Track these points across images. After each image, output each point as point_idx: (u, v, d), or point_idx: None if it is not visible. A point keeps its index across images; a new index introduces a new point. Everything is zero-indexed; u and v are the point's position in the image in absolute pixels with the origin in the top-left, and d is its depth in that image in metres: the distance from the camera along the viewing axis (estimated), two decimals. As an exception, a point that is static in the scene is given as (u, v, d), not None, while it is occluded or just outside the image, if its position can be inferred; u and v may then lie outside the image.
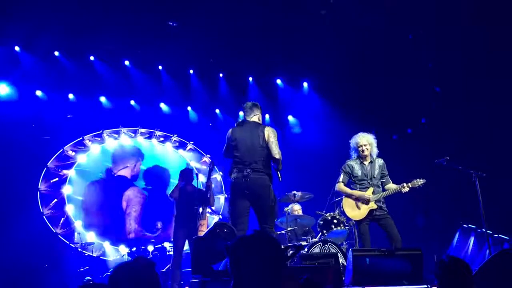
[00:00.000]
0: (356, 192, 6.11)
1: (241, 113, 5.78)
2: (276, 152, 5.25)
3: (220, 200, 11.34)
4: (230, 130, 5.58)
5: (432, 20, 8.62)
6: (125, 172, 10.93)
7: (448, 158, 6.44)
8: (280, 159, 5.26)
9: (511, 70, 8.03)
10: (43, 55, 9.78)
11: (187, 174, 7.55)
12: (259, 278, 1.91)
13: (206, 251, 4.72)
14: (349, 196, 6.16)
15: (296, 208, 8.29)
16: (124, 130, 10.96)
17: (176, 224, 7.25)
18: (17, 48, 9.71)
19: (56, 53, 10.04)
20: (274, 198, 5.28)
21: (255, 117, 5.64)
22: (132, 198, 10.63)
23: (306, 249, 6.66)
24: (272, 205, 5.21)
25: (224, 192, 11.33)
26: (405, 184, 6.07)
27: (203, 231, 7.11)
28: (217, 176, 11.22)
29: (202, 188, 7.82)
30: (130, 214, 10.51)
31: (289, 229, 7.57)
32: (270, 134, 5.36)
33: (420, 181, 6.05)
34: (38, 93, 10.12)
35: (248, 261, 1.94)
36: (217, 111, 11.85)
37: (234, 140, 5.45)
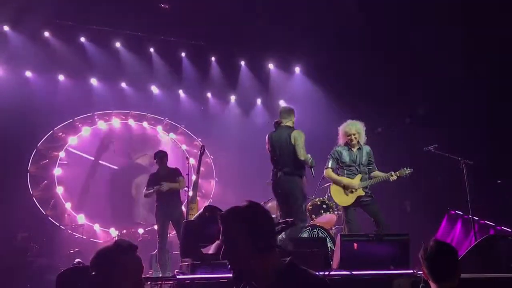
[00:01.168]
0: (344, 180, 6.11)
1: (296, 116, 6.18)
2: (300, 154, 5.69)
3: (211, 184, 11.35)
4: (268, 135, 6.11)
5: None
6: (142, 160, 10.87)
7: (436, 145, 6.48)
8: (306, 159, 5.70)
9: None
10: (32, 35, 9.62)
11: (160, 156, 7.48)
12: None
13: (196, 234, 4.73)
14: (337, 183, 6.17)
15: None
16: (115, 112, 10.89)
17: (157, 208, 7.24)
18: (5, 28, 9.54)
19: (46, 34, 9.87)
20: (302, 200, 5.79)
21: (290, 122, 6.05)
22: (141, 186, 10.53)
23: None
24: (299, 205, 5.74)
25: (215, 176, 11.34)
26: (392, 173, 6.11)
27: (193, 214, 7.12)
28: (208, 160, 11.20)
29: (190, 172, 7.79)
30: (139, 201, 10.47)
31: (278, 213, 7.57)
32: (296, 137, 5.79)
33: (407, 170, 6.09)
34: (27, 73, 9.98)
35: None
36: (209, 94, 11.78)
37: (270, 144, 5.99)
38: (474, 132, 8.41)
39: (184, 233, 4.99)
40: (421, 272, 2.67)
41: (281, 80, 11.63)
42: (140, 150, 10.92)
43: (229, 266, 2.01)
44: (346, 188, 6.08)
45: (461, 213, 7.93)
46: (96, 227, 9.96)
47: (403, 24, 9.05)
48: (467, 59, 8.54)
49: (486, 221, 7.59)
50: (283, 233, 6.92)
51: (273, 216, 7.38)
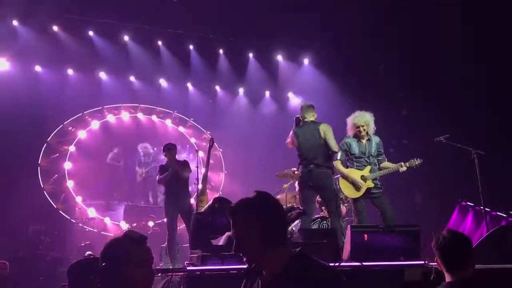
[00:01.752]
0: (352, 176, 6.03)
1: (311, 113, 6.23)
2: (334, 146, 5.91)
3: (220, 176, 11.36)
4: (292, 131, 6.21)
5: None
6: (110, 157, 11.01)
7: (448, 135, 6.40)
8: (338, 151, 5.97)
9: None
10: (40, 29, 9.65)
11: (168, 149, 7.46)
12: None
13: (205, 226, 4.74)
14: (344, 177, 6.11)
15: None
16: (124, 106, 10.93)
17: (166, 200, 7.26)
18: (14, 23, 9.57)
19: (54, 28, 9.89)
20: (336, 188, 5.94)
21: (313, 117, 6.18)
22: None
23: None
24: (335, 193, 5.91)
25: (224, 169, 11.34)
26: (402, 164, 6.02)
27: (202, 207, 7.11)
28: (217, 153, 11.21)
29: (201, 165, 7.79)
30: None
31: (288, 205, 7.56)
32: (326, 131, 5.95)
33: (417, 161, 6.02)
34: (37, 68, 10.02)
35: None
36: (217, 87, 11.76)
37: (297, 140, 6.07)
38: (485, 121, 8.34)
39: (193, 225, 5.00)
40: (433, 263, 2.64)
41: (290, 72, 11.57)
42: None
43: (244, 258, 2.00)
44: (354, 182, 6.02)
45: (472, 204, 7.86)
46: (107, 220, 10.03)
47: (408, 19, 8.99)
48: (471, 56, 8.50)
49: (498, 212, 7.51)
50: (296, 223, 6.99)
51: None
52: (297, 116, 6.30)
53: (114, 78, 10.77)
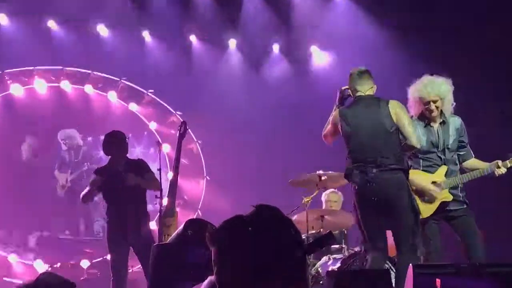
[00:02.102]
0: (418, 182, 6.06)
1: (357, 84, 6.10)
2: (413, 136, 5.85)
3: (199, 185, 11.39)
4: (337, 112, 6.16)
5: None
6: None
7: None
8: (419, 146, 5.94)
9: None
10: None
11: (111, 142, 7.44)
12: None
13: (173, 265, 4.78)
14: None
15: (333, 199, 8.28)
16: (38, 70, 10.96)
17: (108, 226, 7.30)
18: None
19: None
20: (414, 206, 5.85)
21: (371, 89, 6.11)
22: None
23: (339, 264, 6.76)
24: (413, 213, 5.82)
25: (205, 173, 11.37)
26: (499, 162, 6.03)
27: (169, 235, 7.17)
28: (194, 146, 11.23)
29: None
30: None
31: (310, 233, 7.63)
32: (399, 112, 5.91)
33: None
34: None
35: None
36: (193, 38, 11.77)
37: (348, 127, 5.99)
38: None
39: (154, 264, 5.05)
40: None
41: (312, 11, 11.57)
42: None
43: None
44: (421, 192, 6.05)
45: None
46: (12, 259, 10.09)
47: None
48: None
49: None
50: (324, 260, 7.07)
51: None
52: (343, 87, 6.28)
53: (21, 23, 10.79)
